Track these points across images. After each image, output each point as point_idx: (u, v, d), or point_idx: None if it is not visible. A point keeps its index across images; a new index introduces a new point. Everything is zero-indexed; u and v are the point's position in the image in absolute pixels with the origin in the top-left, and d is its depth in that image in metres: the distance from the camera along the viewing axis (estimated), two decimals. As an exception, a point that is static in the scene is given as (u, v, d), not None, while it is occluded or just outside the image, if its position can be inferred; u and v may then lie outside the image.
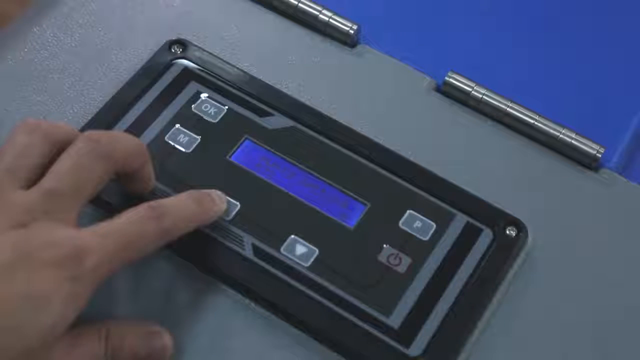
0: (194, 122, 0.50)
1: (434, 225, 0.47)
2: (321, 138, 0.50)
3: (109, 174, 0.41)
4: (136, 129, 0.49)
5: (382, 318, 0.44)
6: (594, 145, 0.50)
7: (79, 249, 0.37)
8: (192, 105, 0.50)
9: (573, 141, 0.50)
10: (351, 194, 0.48)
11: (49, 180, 0.39)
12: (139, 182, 0.45)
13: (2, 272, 0.36)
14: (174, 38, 0.53)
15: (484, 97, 0.52)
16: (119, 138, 0.42)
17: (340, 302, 0.44)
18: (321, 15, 0.54)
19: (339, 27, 0.54)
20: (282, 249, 0.46)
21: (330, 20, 0.54)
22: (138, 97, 0.50)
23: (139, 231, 0.40)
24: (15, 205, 0.38)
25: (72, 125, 0.48)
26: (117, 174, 0.42)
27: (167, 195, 0.46)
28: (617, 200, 0.49)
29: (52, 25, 0.54)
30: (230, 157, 0.49)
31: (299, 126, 0.50)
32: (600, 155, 0.50)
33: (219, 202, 0.45)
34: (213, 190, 0.46)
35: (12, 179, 0.39)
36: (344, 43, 0.54)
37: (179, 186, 0.47)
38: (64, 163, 0.40)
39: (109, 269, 0.38)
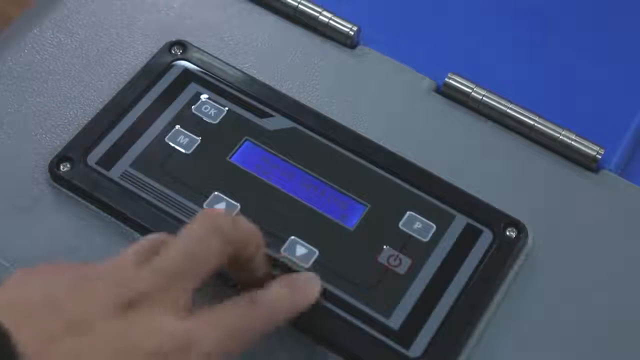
0: (194, 124, 0.50)
1: (434, 227, 0.47)
2: (321, 139, 0.50)
3: (225, 253, 0.38)
4: (136, 130, 0.49)
5: (382, 319, 0.44)
6: (593, 147, 0.50)
7: (184, 341, 0.35)
8: (192, 107, 0.51)
9: (573, 142, 0.50)
10: (351, 195, 0.48)
11: (163, 260, 0.37)
12: (248, 272, 0.41)
13: None
14: (173, 39, 0.53)
15: (484, 98, 0.52)
16: (238, 220, 0.39)
17: (340, 303, 0.44)
18: (321, 17, 0.54)
19: (339, 28, 0.54)
20: (282, 250, 0.46)
21: (330, 21, 0.54)
22: (138, 99, 0.51)
23: (242, 324, 0.38)
24: (126, 280, 0.36)
25: (73, 129, 0.48)
26: (229, 259, 0.39)
27: (166, 195, 0.47)
28: (617, 201, 0.49)
29: (52, 26, 0.54)
30: (230, 158, 0.49)
31: (299, 127, 0.50)
32: (600, 157, 0.50)
33: (313, 285, 0.42)
34: (303, 273, 0.43)
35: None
36: (344, 44, 0.54)
37: (179, 187, 0.47)
38: (181, 241, 0.37)
39: None
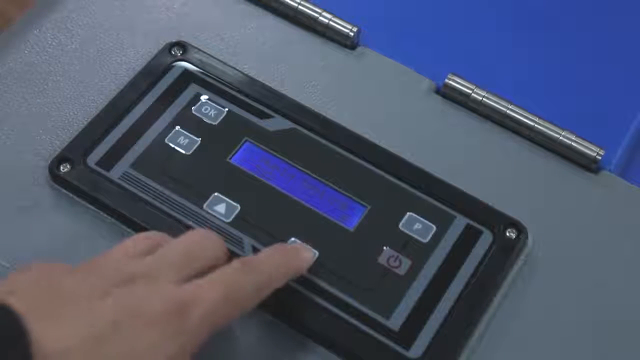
0: (194, 124, 0.50)
1: (434, 227, 0.47)
2: (321, 140, 0.50)
3: (218, 258, 0.41)
4: (136, 131, 0.49)
5: (382, 320, 0.44)
6: (593, 148, 0.50)
7: (183, 302, 0.37)
8: (192, 108, 0.51)
9: (573, 143, 0.50)
10: (351, 196, 0.48)
11: (161, 250, 0.40)
12: None
13: (109, 330, 0.35)
14: (174, 40, 0.53)
15: (484, 99, 0.52)
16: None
17: (340, 304, 0.44)
18: (321, 18, 0.54)
19: (339, 29, 0.54)
20: (282, 251, 0.46)
21: (330, 22, 0.54)
22: (138, 99, 0.51)
23: (236, 283, 0.39)
24: (122, 265, 0.38)
25: (73, 130, 0.48)
26: None
27: (167, 196, 0.47)
28: (617, 202, 0.49)
29: (52, 27, 0.54)
30: (230, 159, 0.49)
31: (299, 128, 0.50)
32: (600, 158, 0.50)
33: (304, 251, 0.44)
34: (294, 245, 0.46)
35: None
36: (344, 45, 0.54)
37: (179, 188, 0.47)
38: (178, 241, 0.41)
39: (213, 322, 0.38)
